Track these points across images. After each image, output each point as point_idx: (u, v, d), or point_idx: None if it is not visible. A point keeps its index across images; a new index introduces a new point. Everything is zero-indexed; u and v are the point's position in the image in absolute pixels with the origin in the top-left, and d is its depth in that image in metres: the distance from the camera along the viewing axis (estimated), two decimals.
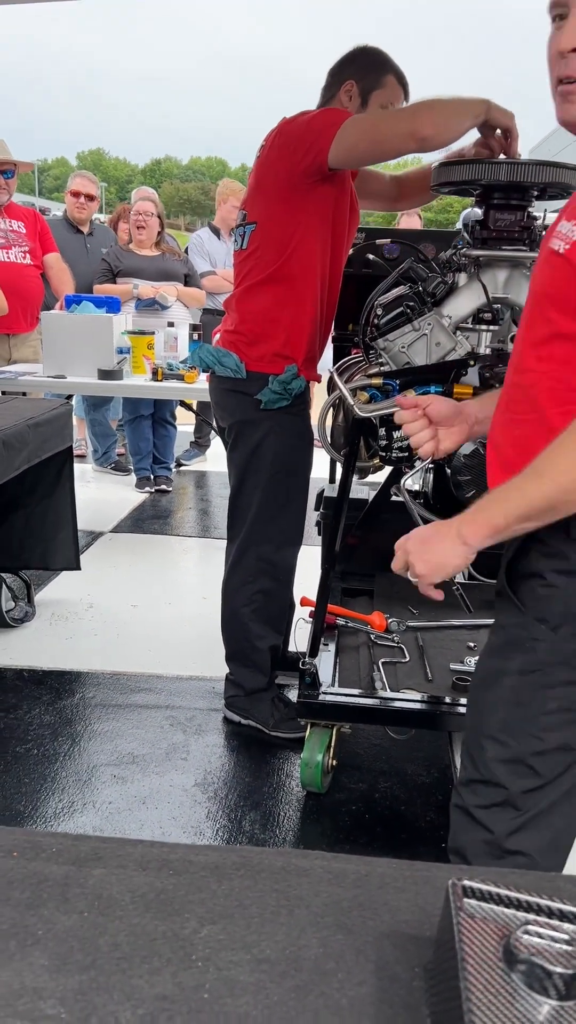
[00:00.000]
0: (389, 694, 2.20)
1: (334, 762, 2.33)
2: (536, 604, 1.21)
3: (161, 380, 4.09)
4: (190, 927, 0.70)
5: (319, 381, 2.40)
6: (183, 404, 5.07)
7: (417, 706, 2.12)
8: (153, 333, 4.30)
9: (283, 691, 2.68)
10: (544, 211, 2.09)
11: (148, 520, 4.70)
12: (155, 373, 4.11)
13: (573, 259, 1.12)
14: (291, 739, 2.51)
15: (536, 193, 2.00)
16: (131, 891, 0.74)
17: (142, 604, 3.51)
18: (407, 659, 2.38)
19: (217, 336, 2.42)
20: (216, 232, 5.55)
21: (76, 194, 5.06)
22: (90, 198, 5.14)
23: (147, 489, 5.21)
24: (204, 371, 2.39)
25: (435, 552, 1.17)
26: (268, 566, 2.43)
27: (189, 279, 5.14)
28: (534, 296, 1.22)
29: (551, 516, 1.09)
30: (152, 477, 5.28)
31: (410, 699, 2.16)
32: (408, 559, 1.20)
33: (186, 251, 5.52)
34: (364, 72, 2.16)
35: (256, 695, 2.56)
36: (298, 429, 2.33)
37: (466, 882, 0.65)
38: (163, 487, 5.25)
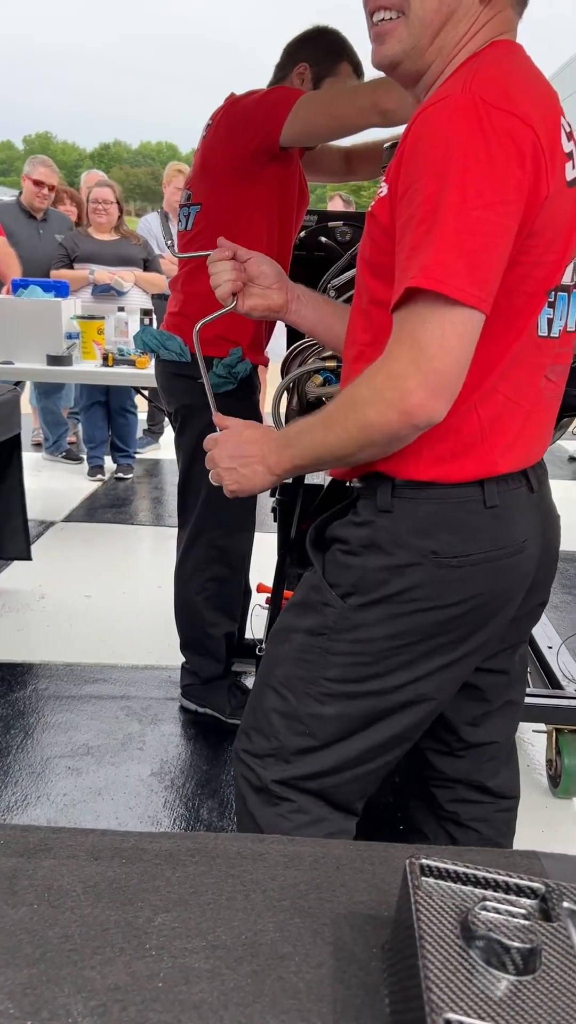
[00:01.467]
0: None
1: None
2: (333, 569, 1.20)
3: (112, 366, 4.03)
4: (144, 916, 0.69)
5: (265, 365, 2.37)
6: (136, 390, 5.01)
7: None
8: (103, 318, 4.23)
9: (240, 678, 2.67)
10: None
11: (101, 509, 4.64)
12: (105, 359, 4.04)
13: (378, 215, 1.07)
14: None
15: None
16: (82, 881, 0.72)
17: (96, 594, 3.47)
18: None
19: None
20: (165, 217, 5.48)
21: (39, 183, 4.96)
22: (51, 188, 5.05)
23: (99, 477, 5.14)
24: (144, 353, 2.32)
25: (245, 476, 1.19)
26: (220, 553, 2.40)
27: (148, 264, 5.07)
28: (358, 261, 1.18)
29: (346, 463, 1.12)
30: (115, 464, 5.22)
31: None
32: (219, 472, 1.23)
33: None
34: (320, 57, 2.12)
35: (212, 683, 2.54)
36: (245, 413, 2.30)
37: (423, 860, 0.64)
38: (123, 475, 5.19)
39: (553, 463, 5.80)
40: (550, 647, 2.46)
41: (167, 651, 2.86)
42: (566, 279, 1.09)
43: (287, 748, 1.23)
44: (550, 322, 1.09)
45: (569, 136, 1.05)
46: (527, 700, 2.18)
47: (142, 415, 5.86)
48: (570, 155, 1.04)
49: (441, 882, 0.64)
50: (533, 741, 2.50)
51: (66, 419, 5.59)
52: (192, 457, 2.32)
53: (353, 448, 1.07)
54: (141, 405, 5.51)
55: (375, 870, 0.75)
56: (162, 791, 2.21)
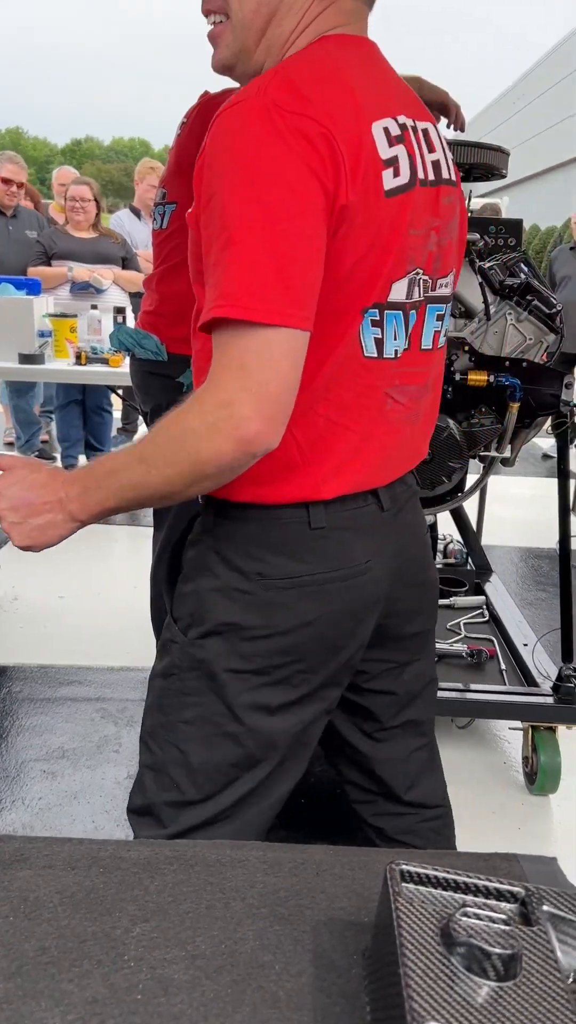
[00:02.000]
0: None
1: None
2: (177, 601, 1.14)
3: (85, 364, 4.00)
4: (122, 926, 0.68)
5: None
6: (110, 389, 4.98)
7: None
8: (76, 316, 4.19)
9: None
10: (469, 192, 2.10)
11: None
12: (78, 357, 4.01)
13: (190, 223, 1.02)
14: None
15: (462, 174, 2.01)
16: (59, 892, 0.71)
17: (70, 595, 3.44)
18: None
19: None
20: (137, 213, 5.44)
21: (7, 181, 4.90)
22: (20, 185, 5.00)
23: None
24: (118, 352, 2.30)
25: (39, 527, 1.02)
26: None
27: (127, 262, 5.04)
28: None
29: (171, 500, 0.99)
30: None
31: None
32: (5, 527, 1.04)
33: None
34: None
35: None
36: None
37: (404, 866, 0.64)
38: None
39: (527, 460, 5.85)
40: (525, 644, 2.48)
41: (143, 652, 2.84)
42: (397, 296, 1.01)
43: (156, 805, 1.14)
44: (378, 342, 1.02)
45: (399, 140, 0.96)
46: (503, 698, 2.20)
47: (116, 413, 5.82)
48: (392, 161, 0.95)
49: (421, 888, 0.64)
50: (509, 739, 2.51)
51: (38, 418, 5.54)
52: None
53: (182, 484, 0.95)
54: (115, 403, 5.47)
55: (355, 875, 0.75)
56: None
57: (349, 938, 0.68)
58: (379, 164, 0.93)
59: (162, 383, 2.21)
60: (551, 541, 4.23)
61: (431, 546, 1.26)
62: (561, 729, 2.23)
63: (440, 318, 1.11)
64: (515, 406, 1.99)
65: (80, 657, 2.91)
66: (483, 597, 2.83)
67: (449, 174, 1.07)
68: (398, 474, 1.14)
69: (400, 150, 0.95)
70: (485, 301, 2.04)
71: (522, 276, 2.12)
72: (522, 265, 2.17)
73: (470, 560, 3.10)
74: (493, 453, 2.10)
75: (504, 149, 1.96)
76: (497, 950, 0.56)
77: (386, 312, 1.01)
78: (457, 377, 1.98)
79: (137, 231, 5.38)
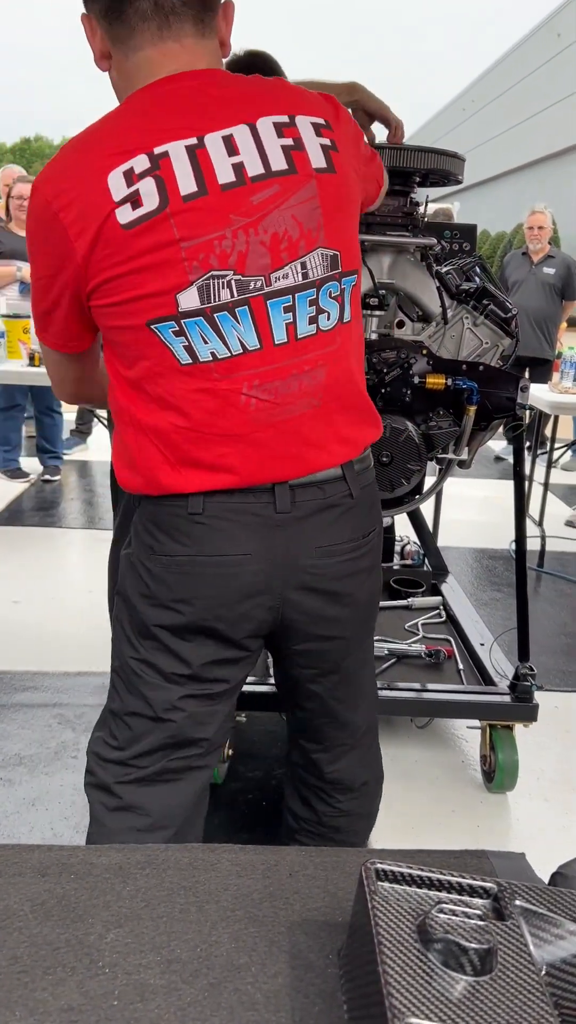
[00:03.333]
0: None
1: (230, 752, 2.31)
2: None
3: (38, 365, 3.95)
4: (95, 932, 0.67)
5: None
6: None
7: None
8: (29, 317, 4.14)
9: None
10: (427, 197, 2.13)
11: (28, 512, 4.55)
12: (32, 358, 3.96)
13: None
14: None
15: (418, 179, 2.03)
16: (30, 899, 0.70)
17: (25, 599, 3.39)
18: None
19: None
20: None
21: None
22: None
23: (23, 479, 5.04)
24: None
25: None
26: None
27: None
28: None
29: None
30: (42, 466, 5.13)
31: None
32: None
33: None
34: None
35: None
36: None
37: (379, 865, 0.64)
38: (50, 476, 5.09)
39: (480, 463, 5.93)
40: (482, 644, 2.51)
41: (99, 656, 2.80)
42: (189, 305, 1.07)
43: (96, 739, 1.30)
44: (188, 349, 1.08)
45: (144, 175, 1.04)
46: (462, 697, 2.23)
47: (70, 415, 5.76)
48: (132, 198, 1.04)
49: (396, 886, 0.64)
50: (467, 738, 2.54)
51: None
52: None
53: None
54: (69, 405, 5.42)
55: (328, 876, 0.75)
56: None
57: (324, 938, 0.68)
58: (110, 204, 1.05)
59: None
60: (505, 542, 4.30)
61: (367, 563, 1.29)
62: (518, 727, 2.27)
63: (288, 309, 1.12)
64: (472, 409, 2.01)
65: (36, 662, 2.87)
66: (440, 598, 2.86)
67: (268, 167, 1.09)
68: (295, 470, 1.17)
69: (147, 183, 1.05)
70: (442, 305, 2.06)
71: (478, 280, 2.15)
72: (478, 269, 2.20)
73: (427, 561, 3.13)
74: (451, 455, 2.12)
75: (460, 155, 1.99)
76: (473, 945, 0.57)
77: (183, 321, 1.08)
78: (415, 380, 2.00)
79: None
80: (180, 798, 1.27)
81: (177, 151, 1.06)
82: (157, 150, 1.05)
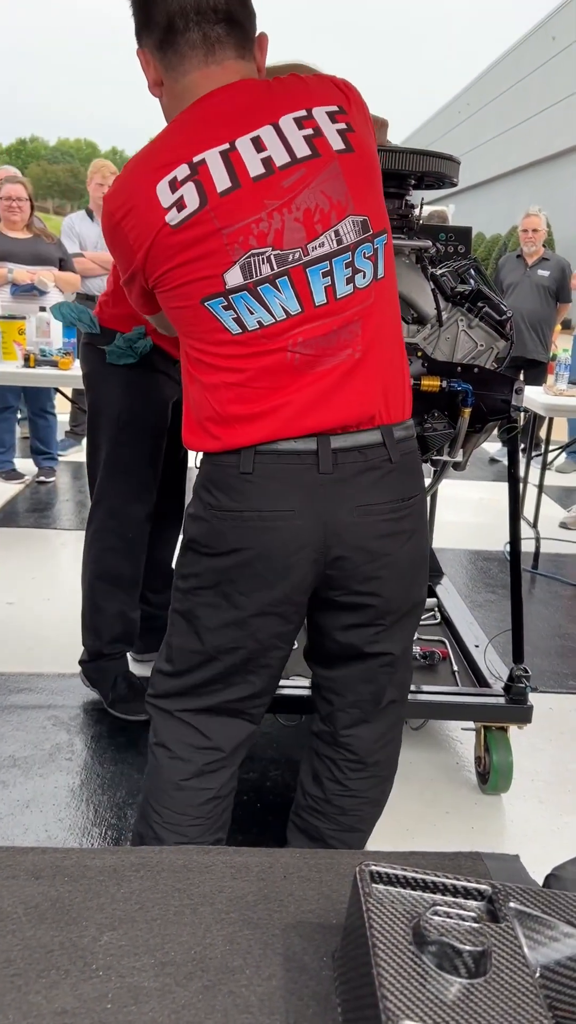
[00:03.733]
0: (279, 681, 2.20)
1: None
2: None
3: (33, 366, 3.95)
4: (89, 935, 0.67)
5: (176, 356, 2.41)
6: (59, 391, 4.92)
7: (306, 692, 2.13)
8: (24, 318, 4.14)
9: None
10: (422, 199, 2.13)
11: (23, 514, 4.54)
12: (27, 359, 3.95)
13: None
14: (131, 720, 2.55)
15: (413, 182, 2.03)
16: (24, 902, 0.70)
17: (19, 601, 3.38)
18: (295, 646, 2.39)
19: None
20: (90, 215, 5.39)
21: None
22: None
23: (18, 480, 5.03)
24: (66, 325, 2.58)
25: None
26: (115, 522, 2.47)
27: (64, 263, 4.97)
28: None
29: None
30: (37, 468, 5.12)
31: (299, 685, 2.17)
32: None
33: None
34: None
35: (100, 664, 2.58)
36: (144, 387, 2.39)
37: (373, 867, 0.65)
38: (45, 478, 5.08)
39: (475, 464, 5.94)
40: (477, 646, 2.51)
41: None
42: (234, 282, 1.23)
43: (154, 671, 1.48)
44: (238, 320, 1.24)
45: (186, 181, 1.21)
46: (456, 699, 2.23)
47: (64, 416, 5.75)
48: (177, 202, 1.22)
49: (391, 888, 0.64)
50: (462, 739, 2.55)
51: None
52: (94, 422, 2.45)
53: None
54: (64, 406, 5.40)
55: (322, 878, 0.75)
56: (93, 802, 2.17)
57: (319, 940, 0.68)
58: (160, 211, 1.23)
59: (93, 352, 2.42)
60: (499, 544, 4.30)
61: (405, 528, 1.37)
62: (512, 729, 2.27)
63: (327, 273, 1.25)
64: (467, 411, 2.02)
65: (30, 663, 2.86)
66: (435, 599, 2.86)
67: (293, 155, 1.24)
68: (335, 419, 1.28)
69: (188, 187, 1.22)
70: (437, 307, 2.06)
71: (473, 283, 2.15)
72: (473, 272, 2.20)
73: None
74: (445, 457, 2.12)
75: (455, 158, 1.99)
76: (467, 947, 0.57)
77: (231, 297, 1.24)
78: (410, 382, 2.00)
79: (87, 232, 5.32)
80: (236, 731, 1.45)
81: (212, 157, 1.22)
82: (196, 159, 1.23)
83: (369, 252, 1.29)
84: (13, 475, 5.07)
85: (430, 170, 1.92)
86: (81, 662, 2.65)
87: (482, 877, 0.71)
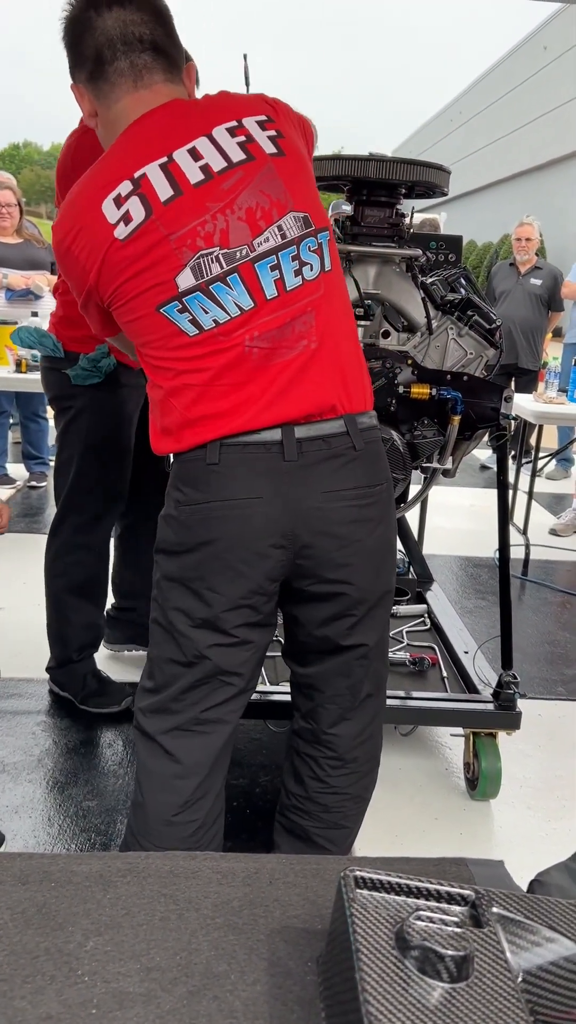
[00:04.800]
0: (268, 687, 2.21)
1: None
2: None
3: (25, 372, 3.95)
4: (75, 941, 0.67)
5: (135, 367, 2.44)
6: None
7: None
8: (16, 323, 4.13)
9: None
10: (412, 208, 2.14)
11: (14, 519, 4.53)
12: (18, 365, 3.96)
13: None
14: (103, 713, 2.59)
15: (404, 191, 2.05)
16: (10, 908, 0.70)
17: (9, 606, 3.38)
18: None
19: None
20: None
21: None
22: None
23: (6, 486, 5.03)
24: (26, 347, 2.60)
25: None
26: (83, 538, 2.50)
27: (56, 267, 4.98)
28: None
29: None
30: (28, 472, 5.11)
31: (289, 692, 2.17)
32: None
33: None
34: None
35: (69, 668, 2.61)
36: (111, 406, 2.42)
37: (357, 872, 0.65)
38: (36, 483, 5.08)
39: (466, 471, 5.96)
40: (466, 652, 2.52)
41: None
42: (186, 284, 1.27)
43: (141, 686, 1.48)
44: (193, 322, 1.28)
45: (130, 196, 1.26)
46: (446, 705, 2.23)
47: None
48: (123, 217, 1.27)
49: (375, 893, 0.65)
50: (451, 745, 2.55)
51: None
52: (62, 444, 2.49)
53: None
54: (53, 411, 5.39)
55: (308, 883, 0.75)
56: (83, 807, 2.16)
57: (303, 945, 0.68)
58: (107, 227, 1.28)
59: (57, 377, 2.43)
60: (489, 550, 4.31)
61: (374, 514, 1.40)
62: (501, 735, 2.28)
63: (275, 267, 1.30)
64: (456, 419, 2.03)
65: (21, 669, 2.86)
66: (425, 606, 2.87)
67: (230, 160, 1.29)
68: (298, 410, 1.31)
69: (133, 201, 1.27)
70: (427, 316, 2.08)
71: (463, 291, 2.17)
72: (463, 280, 2.22)
73: (412, 569, 3.15)
74: (435, 464, 2.14)
75: (446, 168, 2.01)
76: (450, 952, 0.57)
77: (184, 299, 1.28)
78: (400, 390, 2.01)
79: None
80: (208, 748, 1.43)
81: (153, 170, 1.27)
82: (137, 174, 1.28)
83: (314, 246, 1.33)
84: (5, 480, 5.07)
85: (420, 180, 1.93)
86: (49, 668, 2.67)
87: (466, 882, 0.72)
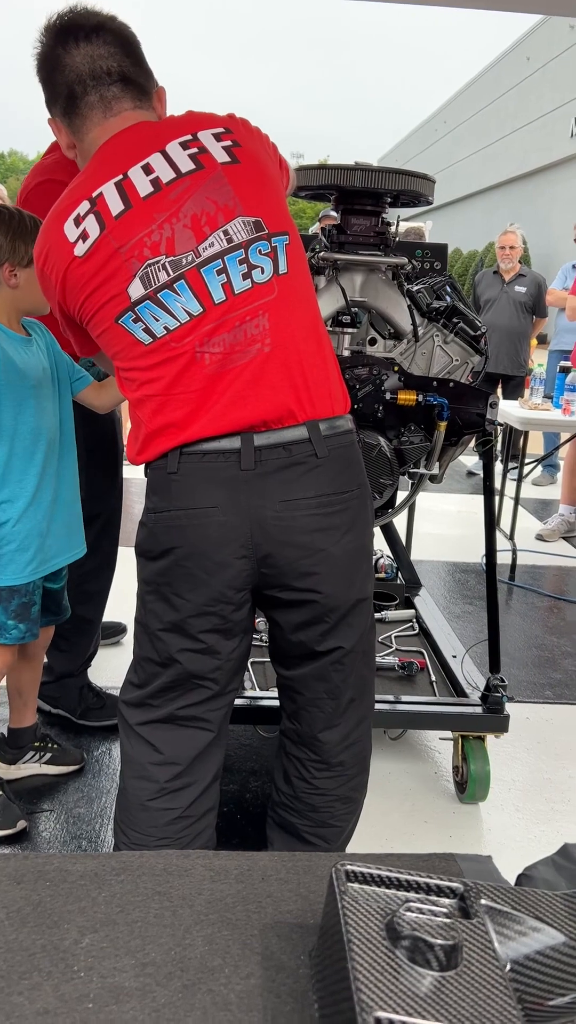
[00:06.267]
0: (258, 692, 2.22)
1: None
2: None
3: None
4: (71, 937, 0.68)
5: None
6: None
7: None
8: None
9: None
10: (398, 217, 2.17)
11: None
12: None
13: None
14: (100, 727, 2.56)
15: (389, 200, 2.07)
16: (6, 907, 0.71)
17: None
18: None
19: None
20: None
21: None
22: None
23: None
24: None
25: None
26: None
27: None
28: None
29: None
30: None
31: (277, 697, 2.18)
32: None
33: None
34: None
35: (64, 681, 2.58)
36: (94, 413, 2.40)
37: (348, 867, 0.66)
38: None
39: (452, 477, 5.99)
40: (454, 656, 2.54)
41: None
42: (136, 294, 1.30)
43: (127, 679, 1.50)
44: (147, 330, 1.31)
45: (89, 211, 1.31)
46: (434, 709, 2.25)
47: None
48: (81, 235, 1.31)
49: (366, 887, 0.66)
50: (440, 748, 2.57)
51: None
52: None
53: None
54: None
55: (300, 879, 0.77)
56: (72, 814, 2.16)
57: (296, 939, 0.70)
58: (67, 245, 1.33)
59: None
60: (477, 556, 4.34)
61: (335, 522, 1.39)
62: (490, 738, 2.29)
63: (221, 271, 1.31)
64: (443, 425, 2.05)
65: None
66: (413, 611, 2.89)
67: (179, 171, 1.32)
68: (254, 416, 1.32)
69: (89, 219, 1.31)
70: (413, 323, 2.10)
71: (448, 299, 2.19)
72: (448, 288, 2.25)
73: (400, 574, 3.16)
74: (422, 470, 2.16)
75: (430, 177, 2.04)
76: (439, 941, 0.59)
77: (136, 308, 1.31)
78: (387, 396, 2.03)
79: None
80: (189, 742, 1.44)
81: (108, 189, 1.32)
82: (94, 193, 1.32)
83: (265, 249, 1.34)
84: None
85: (405, 188, 1.96)
86: (42, 684, 2.54)
87: (455, 876, 0.73)
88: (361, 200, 2.04)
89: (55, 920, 0.70)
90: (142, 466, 1.43)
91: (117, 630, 3.12)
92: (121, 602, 2.52)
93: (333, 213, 2.07)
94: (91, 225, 1.31)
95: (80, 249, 1.32)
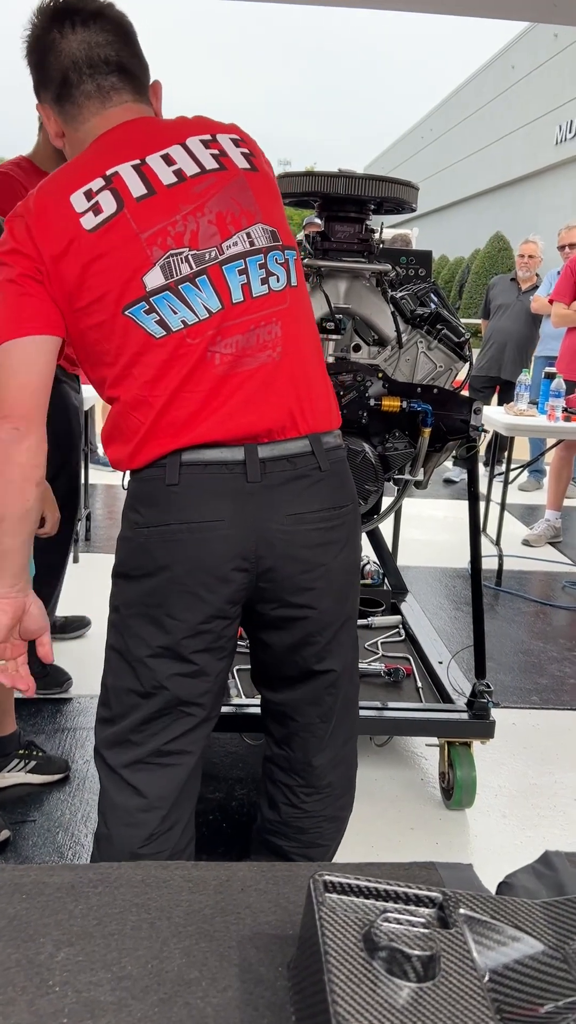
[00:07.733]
0: (244, 700, 2.21)
1: None
2: None
3: None
4: (46, 951, 0.68)
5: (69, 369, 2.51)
6: None
7: None
8: None
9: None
10: (382, 224, 2.17)
11: None
12: None
13: None
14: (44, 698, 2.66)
15: (373, 207, 2.08)
16: None
17: None
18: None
19: None
20: None
21: None
22: None
23: None
24: None
25: None
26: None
27: None
28: None
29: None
30: None
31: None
32: None
33: None
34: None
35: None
36: (56, 398, 2.40)
37: (327, 877, 0.66)
38: None
39: (439, 483, 6.00)
40: (440, 662, 2.54)
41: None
42: (154, 283, 1.24)
43: (98, 717, 1.40)
44: (161, 323, 1.25)
45: (101, 191, 1.24)
46: (420, 715, 2.25)
47: None
48: (93, 208, 1.24)
49: (344, 897, 0.65)
50: (426, 755, 2.56)
51: None
52: None
53: None
54: None
55: (279, 890, 0.76)
56: (56, 831, 2.15)
57: (274, 951, 0.69)
58: (74, 215, 1.24)
59: None
60: (463, 561, 4.35)
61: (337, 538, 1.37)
62: (476, 744, 2.29)
63: (242, 272, 1.29)
64: (427, 431, 2.05)
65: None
66: (399, 617, 2.89)
67: (202, 167, 1.30)
68: (261, 423, 1.28)
69: (104, 195, 1.25)
70: (397, 329, 2.10)
71: (432, 306, 2.20)
72: (432, 295, 2.25)
73: (386, 580, 3.16)
74: (407, 476, 2.16)
75: (414, 184, 2.04)
76: (416, 952, 0.58)
77: (152, 299, 1.24)
78: (371, 403, 2.03)
79: None
80: (173, 780, 1.37)
81: (125, 169, 1.26)
82: (109, 172, 1.26)
83: (281, 259, 1.33)
84: None
85: (389, 196, 1.96)
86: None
87: (436, 885, 0.73)
88: (345, 207, 2.05)
89: (30, 934, 0.69)
90: (122, 475, 1.36)
91: (82, 623, 3.13)
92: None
93: (317, 220, 2.07)
94: (106, 200, 1.24)
95: (90, 222, 1.24)
